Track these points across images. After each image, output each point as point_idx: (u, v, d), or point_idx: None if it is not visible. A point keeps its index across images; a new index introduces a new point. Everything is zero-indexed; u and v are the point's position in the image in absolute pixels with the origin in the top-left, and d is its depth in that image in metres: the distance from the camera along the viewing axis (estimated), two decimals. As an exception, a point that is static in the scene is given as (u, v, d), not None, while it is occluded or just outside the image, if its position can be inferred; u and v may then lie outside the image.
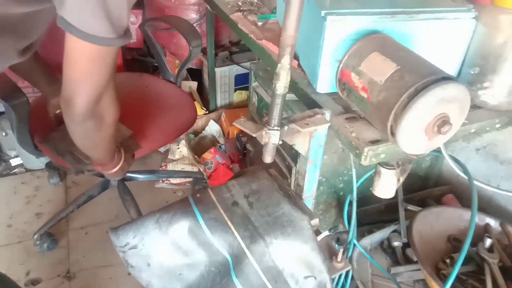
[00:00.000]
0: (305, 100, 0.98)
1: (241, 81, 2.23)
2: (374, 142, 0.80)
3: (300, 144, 0.87)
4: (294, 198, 0.94)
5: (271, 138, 0.78)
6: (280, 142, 0.80)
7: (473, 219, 0.82)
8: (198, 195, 0.85)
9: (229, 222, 0.80)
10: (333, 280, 1.16)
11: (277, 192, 0.85)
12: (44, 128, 1.30)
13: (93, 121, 0.87)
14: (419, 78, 0.71)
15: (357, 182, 1.11)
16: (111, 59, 0.79)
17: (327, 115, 0.85)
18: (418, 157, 0.87)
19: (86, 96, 0.81)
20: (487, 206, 1.29)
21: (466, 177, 0.91)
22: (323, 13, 0.87)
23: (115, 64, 0.82)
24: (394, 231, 1.24)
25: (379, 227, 1.25)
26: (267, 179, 0.88)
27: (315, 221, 0.90)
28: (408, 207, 1.28)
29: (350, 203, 1.14)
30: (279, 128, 0.77)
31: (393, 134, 0.73)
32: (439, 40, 0.94)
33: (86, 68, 0.77)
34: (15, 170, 2.07)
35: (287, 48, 0.69)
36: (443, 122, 0.72)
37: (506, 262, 1.08)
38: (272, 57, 1.13)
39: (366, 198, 1.29)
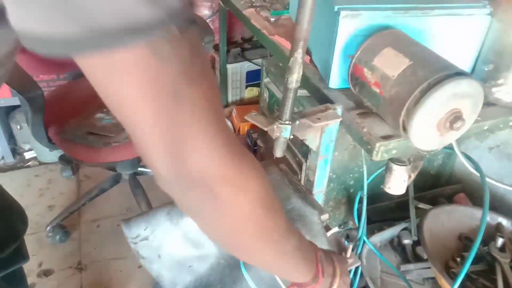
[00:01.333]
0: (317, 96, 0.98)
1: (253, 78, 2.23)
2: (386, 137, 0.80)
3: (311, 139, 0.87)
4: (304, 193, 0.94)
5: (282, 132, 0.78)
6: (291, 137, 0.81)
7: (485, 216, 0.82)
8: None
9: None
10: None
11: (287, 186, 0.85)
12: (59, 120, 1.32)
13: (191, 193, 0.43)
14: (432, 73, 0.71)
15: (367, 179, 1.11)
16: (173, 69, 0.35)
17: (339, 110, 0.85)
18: (430, 154, 0.87)
19: (153, 151, 0.40)
20: (500, 205, 1.28)
21: (478, 175, 0.90)
22: (336, 8, 0.86)
23: (196, 80, 0.37)
24: (405, 229, 1.24)
25: (389, 224, 1.24)
26: (277, 173, 0.88)
27: (325, 216, 0.91)
28: (419, 205, 1.27)
29: (361, 200, 1.14)
30: (290, 123, 0.78)
31: (405, 129, 0.73)
32: (453, 36, 0.93)
33: (126, 105, 0.37)
34: (29, 163, 2.10)
35: (300, 42, 0.69)
36: (456, 118, 0.71)
37: (518, 262, 1.07)
38: (285, 53, 1.13)
39: (376, 195, 1.29)
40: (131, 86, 0.35)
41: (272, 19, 1.32)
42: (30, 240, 1.71)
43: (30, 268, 1.59)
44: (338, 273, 0.67)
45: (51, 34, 0.30)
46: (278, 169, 0.90)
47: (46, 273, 1.59)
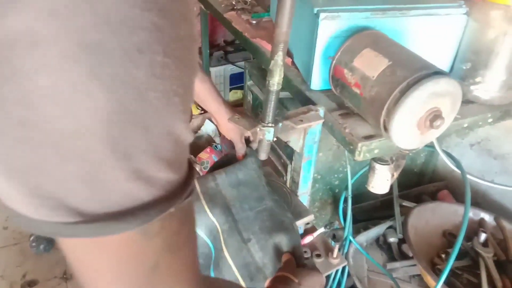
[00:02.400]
0: (299, 98, 0.99)
1: (236, 81, 2.23)
2: (368, 137, 0.80)
3: (294, 140, 0.87)
4: (289, 194, 0.94)
5: (265, 134, 0.78)
6: (275, 139, 0.81)
7: (467, 213, 0.83)
8: None
9: (210, 214, 0.79)
10: (329, 276, 1.16)
11: (263, 187, 0.85)
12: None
13: None
14: (411, 72, 0.71)
15: (352, 178, 1.11)
16: (158, 244, 0.32)
17: (321, 111, 0.85)
18: (412, 152, 0.88)
19: None
20: (482, 201, 1.30)
21: (460, 172, 0.91)
22: (315, 10, 0.87)
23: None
24: (390, 227, 1.25)
25: (374, 223, 1.25)
26: (255, 170, 0.87)
27: (310, 217, 0.91)
28: (404, 203, 1.29)
29: (346, 200, 1.15)
30: (273, 125, 0.78)
31: (386, 129, 0.74)
32: (431, 36, 0.95)
33: (100, 279, 0.33)
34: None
35: (280, 44, 0.69)
36: (435, 116, 0.72)
37: (501, 256, 1.09)
38: (266, 55, 1.14)
39: (361, 195, 1.30)
40: (108, 261, 0.31)
41: (253, 22, 1.32)
42: (13, 250, 1.68)
43: (13, 279, 1.56)
44: None
45: (34, 217, 0.27)
46: (257, 164, 0.88)
47: (31, 283, 1.56)
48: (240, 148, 0.91)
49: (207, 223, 0.79)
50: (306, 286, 0.71)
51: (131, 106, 0.25)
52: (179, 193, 0.30)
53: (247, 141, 0.91)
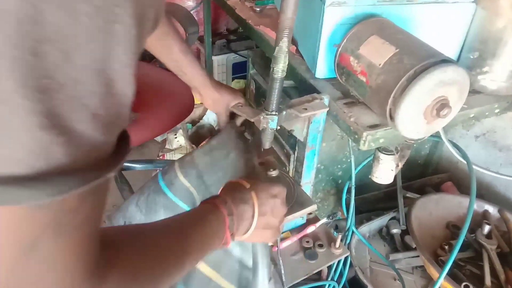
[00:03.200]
0: (303, 86, 0.97)
1: (239, 70, 2.21)
2: (373, 126, 0.79)
3: (298, 129, 0.86)
4: (292, 184, 0.93)
5: (269, 123, 0.77)
6: (278, 128, 0.80)
7: (472, 204, 0.82)
8: (166, 167, 0.85)
9: (190, 188, 0.81)
10: (331, 266, 1.16)
11: (234, 144, 0.84)
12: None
13: None
14: (418, 60, 0.70)
15: (355, 169, 1.10)
16: (44, 219, 0.26)
17: (326, 100, 0.84)
18: (417, 142, 0.87)
19: None
20: (486, 193, 1.29)
21: (465, 164, 0.90)
22: (321, -4, 0.85)
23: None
24: (393, 218, 1.24)
25: (377, 214, 1.25)
26: (228, 134, 0.86)
27: (313, 207, 0.90)
28: (407, 195, 1.28)
29: (349, 190, 1.14)
30: (277, 113, 0.77)
31: (392, 118, 0.72)
32: (438, 24, 0.93)
33: None
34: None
35: (285, 30, 0.68)
36: (442, 105, 0.71)
37: (504, 248, 1.08)
38: (270, 43, 1.12)
39: (364, 185, 1.29)
40: None
41: (257, 9, 1.30)
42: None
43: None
44: (254, 214, 0.61)
45: None
46: (235, 131, 0.87)
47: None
48: (223, 121, 0.89)
49: (185, 193, 0.81)
50: (258, 191, 0.63)
51: (51, 17, 0.18)
52: (106, 166, 0.24)
53: (232, 116, 0.90)
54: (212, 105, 0.89)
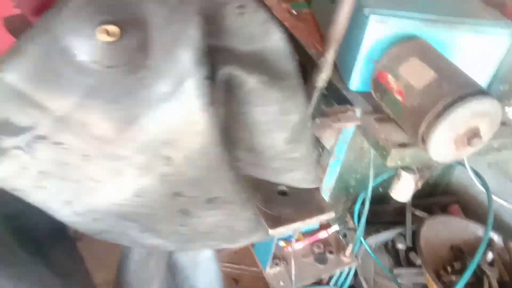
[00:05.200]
0: (334, 95, 0.99)
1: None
2: (402, 145, 0.81)
3: (327, 138, 0.88)
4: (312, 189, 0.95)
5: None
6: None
7: (487, 233, 0.85)
8: None
9: None
10: (334, 272, 1.19)
11: None
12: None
13: None
14: (457, 89, 0.72)
15: (372, 181, 1.12)
16: None
17: (358, 112, 0.86)
18: (440, 165, 0.89)
19: None
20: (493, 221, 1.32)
21: (474, 190, 0.92)
22: (366, 11, 0.87)
23: None
24: (399, 233, 1.26)
25: (385, 227, 1.27)
26: None
27: (331, 215, 0.92)
28: (416, 213, 1.30)
29: (363, 201, 1.16)
30: (311, 121, 0.79)
31: (423, 140, 0.74)
32: (475, 53, 0.95)
33: None
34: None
35: (333, 43, 0.70)
36: (474, 134, 0.73)
37: (505, 277, 1.11)
38: (305, 48, 1.13)
39: (374, 197, 1.31)
40: None
41: (294, 12, 1.31)
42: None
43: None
44: None
45: None
46: None
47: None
48: None
49: None
50: None
51: None
52: None
53: None
54: None
